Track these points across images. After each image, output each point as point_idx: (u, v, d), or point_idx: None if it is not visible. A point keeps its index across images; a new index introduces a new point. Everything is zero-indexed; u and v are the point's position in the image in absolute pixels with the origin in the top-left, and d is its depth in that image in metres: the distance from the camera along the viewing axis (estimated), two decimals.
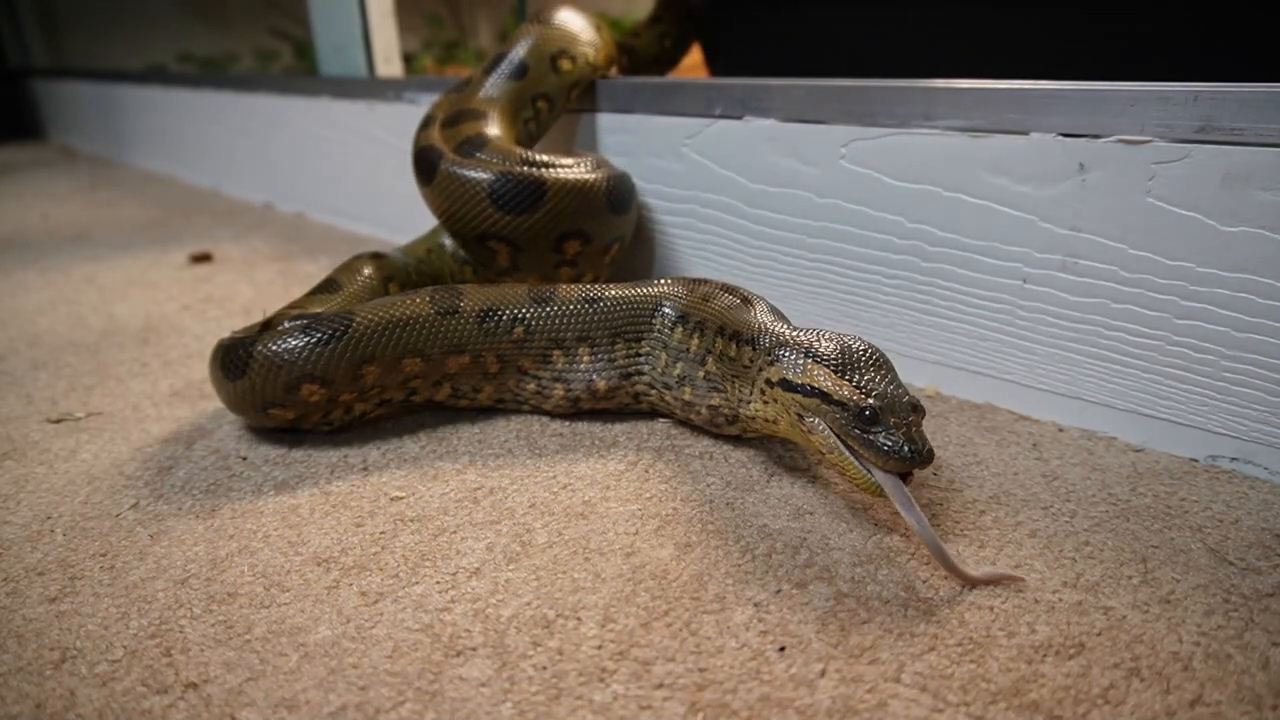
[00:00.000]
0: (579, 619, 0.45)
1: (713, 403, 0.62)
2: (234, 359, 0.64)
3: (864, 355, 0.54)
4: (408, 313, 0.65)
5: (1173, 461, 0.59)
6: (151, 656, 0.44)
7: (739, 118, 0.80)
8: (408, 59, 2.36)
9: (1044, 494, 0.55)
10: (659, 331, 0.66)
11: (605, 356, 0.67)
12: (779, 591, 0.47)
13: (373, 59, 1.38)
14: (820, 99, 0.74)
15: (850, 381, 0.52)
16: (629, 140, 0.91)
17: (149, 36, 3.02)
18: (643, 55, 1.09)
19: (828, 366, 0.53)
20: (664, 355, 0.66)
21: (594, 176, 0.78)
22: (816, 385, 0.53)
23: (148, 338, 0.93)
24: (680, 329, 0.65)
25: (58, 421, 0.72)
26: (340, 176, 1.43)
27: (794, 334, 0.57)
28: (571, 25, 0.91)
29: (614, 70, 0.97)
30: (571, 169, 0.77)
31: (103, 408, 0.75)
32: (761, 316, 0.61)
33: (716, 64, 1.16)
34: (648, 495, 0.57)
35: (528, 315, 0.67)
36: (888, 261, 0.73)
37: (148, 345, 0.91)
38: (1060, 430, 0.64)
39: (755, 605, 0.46)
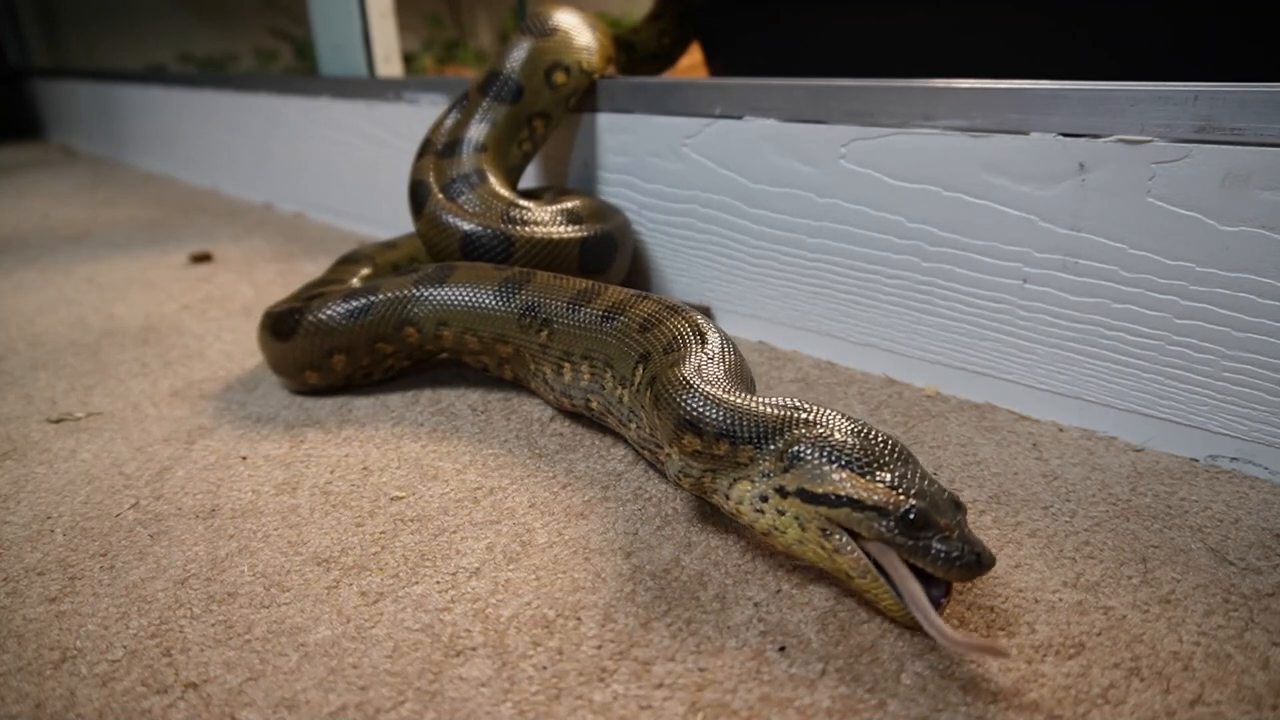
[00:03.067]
0: (579, 619, 0.45)
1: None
2: (351, 305, 0.72)
3: (887, 447, 0.45)
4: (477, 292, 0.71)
5: (1173, 461, 0.59)
6: (151, 656, 0.44)
7: (739, 118, 0.80)
8: (408, 59, 2.36)
9: (1044, 494, 0.55)
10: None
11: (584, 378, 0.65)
12: (779, 591, 0.47)
13: (373, 59, 1.37)
14: (820, 99, 0.74)
15: (883, 482, 0.43)
16: (629, 140, 0.91)
17: (149, 36, 3.02)
18: (641, 52, 1.09)
19: (849, 466, 0.44)
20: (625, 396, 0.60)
21: (567, 235, 0.78)
22: (843, 492, 0.44)
23: (148, 338, 0.93)
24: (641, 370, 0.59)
25: (58, 421, 0.72)
26: (340, 176, 1.43)
27: (791, 418, 0.48)
28: (567, 31, 0.90)
29: (611, 69, 0.97)
30: (547, 226, 0.78)
31: (103, 408, 0.75)
32: (726, 385, 0.52)
33: (717, 63, 1.16)
34: (648, 495, 0.57)
35: (555, 315, 0.67)
36: (888, 261, 0.73)
37: (148, 345, 0.91)
38: (1060, 430, 0.64)
39: (755, 605, 0.46)
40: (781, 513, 0.46)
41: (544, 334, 0.67)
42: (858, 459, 0.45)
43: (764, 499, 0.47)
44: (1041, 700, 0.39)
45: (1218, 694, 0.39)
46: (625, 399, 0.60)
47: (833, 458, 0.45)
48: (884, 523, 0.42)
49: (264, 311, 0.78)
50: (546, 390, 0.68)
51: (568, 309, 0.66)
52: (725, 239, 0.85)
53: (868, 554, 0.43)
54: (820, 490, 0.44)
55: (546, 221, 0.78)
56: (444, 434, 0.67)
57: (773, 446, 0.47)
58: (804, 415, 0.48)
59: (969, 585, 0.46)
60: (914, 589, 0.41)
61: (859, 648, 0.42)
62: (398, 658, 0.43)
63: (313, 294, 0.78)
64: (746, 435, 0.48)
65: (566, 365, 0.65)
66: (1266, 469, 0.56)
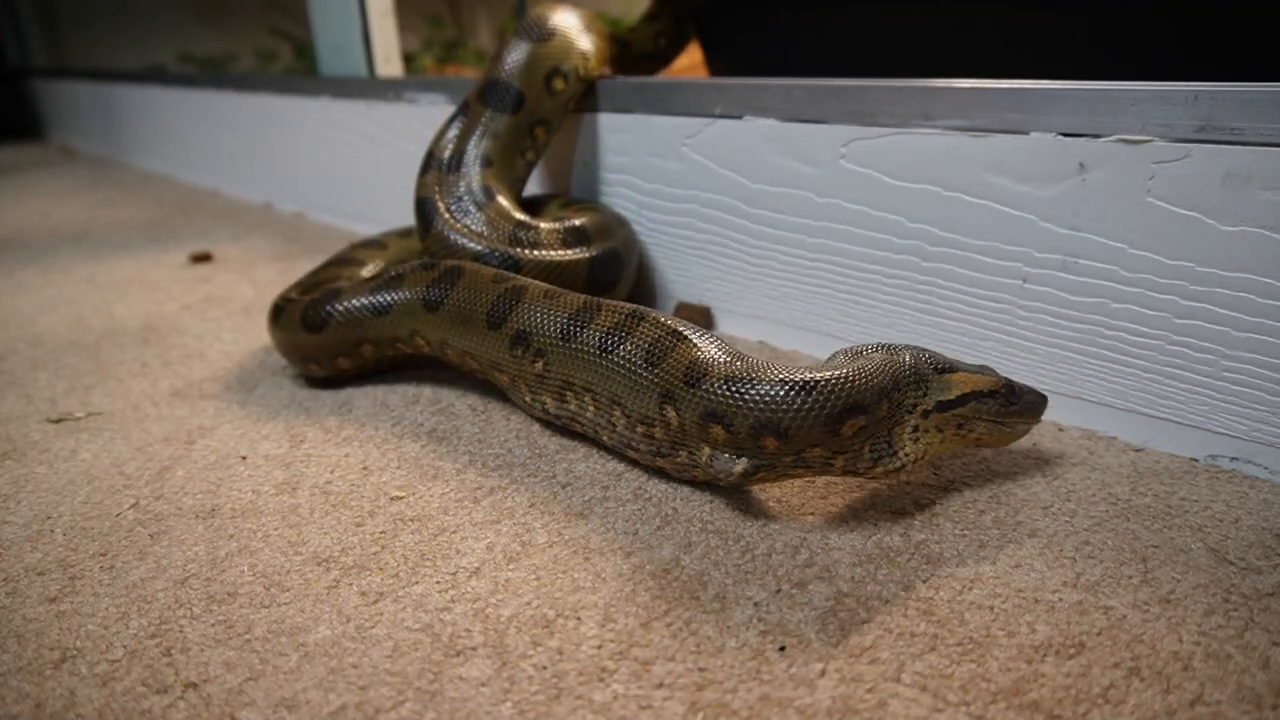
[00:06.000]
0: (579, 619, 0.45)
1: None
2: (377, 301, 0.74)
3: (921, 350, 0.56)
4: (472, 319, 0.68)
5: (1173, 461, 0.59)
6: (151, 656, 0.44)
7: (739, 117, 0.80)
8: (408, 59, 2.36)
9: (1044, 494, 0.55)
10: None
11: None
12: (779, 591, 0.47)
13: (373, 59, 1.38)
14: (820, 99, 0.74)
15: (969, 372, 0.55)
16: (629, 140, 0.91)
17: (149, 36, 3.02)
18: (636, 50, 1.08)
19: (949, 369, 0.54)
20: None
21: (575, 257, 0.78)
22: (966, 390, 0.54)
23: (148, 338, 0.93)
24: None
25: (58, 421, 0.72)
26: (340, 176, 1.43)
27: (896, 359, 0.54)
28: (565, 34, 0.88)
29: (607, 69, 0.97)
30: (555, 249, 0.78)
31: (103, 408, 0.75)
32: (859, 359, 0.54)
33: (717, 63, 1.16)
34: (648, 495, 0.57)
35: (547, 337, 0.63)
36: (888, 261, 0.73)
37: (148, 345, 0.91)
38: (1060, 430, 0.64)
39: (755, 605, 0.46)
40: (927, 431, 0.53)
41: (540, 364, 0.63)
42: (942, 361, 0.55)
43: (915, 430, 0.53)
44: (1041, 700, 0.39)
45: (1218, 694, 0.39)
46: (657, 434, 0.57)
47: (939, 368, 0.54)
48: (1000, 401, 0.54)
49: (276, 305, 0.79)
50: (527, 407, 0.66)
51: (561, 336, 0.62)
52: (725, 239, 0.85)
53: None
54: (951, 396, 0.53)
55: (554, 243, 0.79)
56: (444, 434, 0.67)
57: (912, 382, 0.53)
58: (885, 349, 0.55)
59: (971, 584, 0.47)
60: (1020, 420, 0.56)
61: (859, 648, 0.42)
62: (398, 658, 0.43)
63: (324, 286, 0.78)
64: (900, 384, 0.53)
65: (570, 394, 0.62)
66: (1266, 469, 0.56)
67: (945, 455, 0.61)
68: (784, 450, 0.51)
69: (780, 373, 0.51)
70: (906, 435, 0.53)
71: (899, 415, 0.52)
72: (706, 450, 0.53)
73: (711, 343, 0.56)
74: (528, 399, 0.65)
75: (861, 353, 0.55)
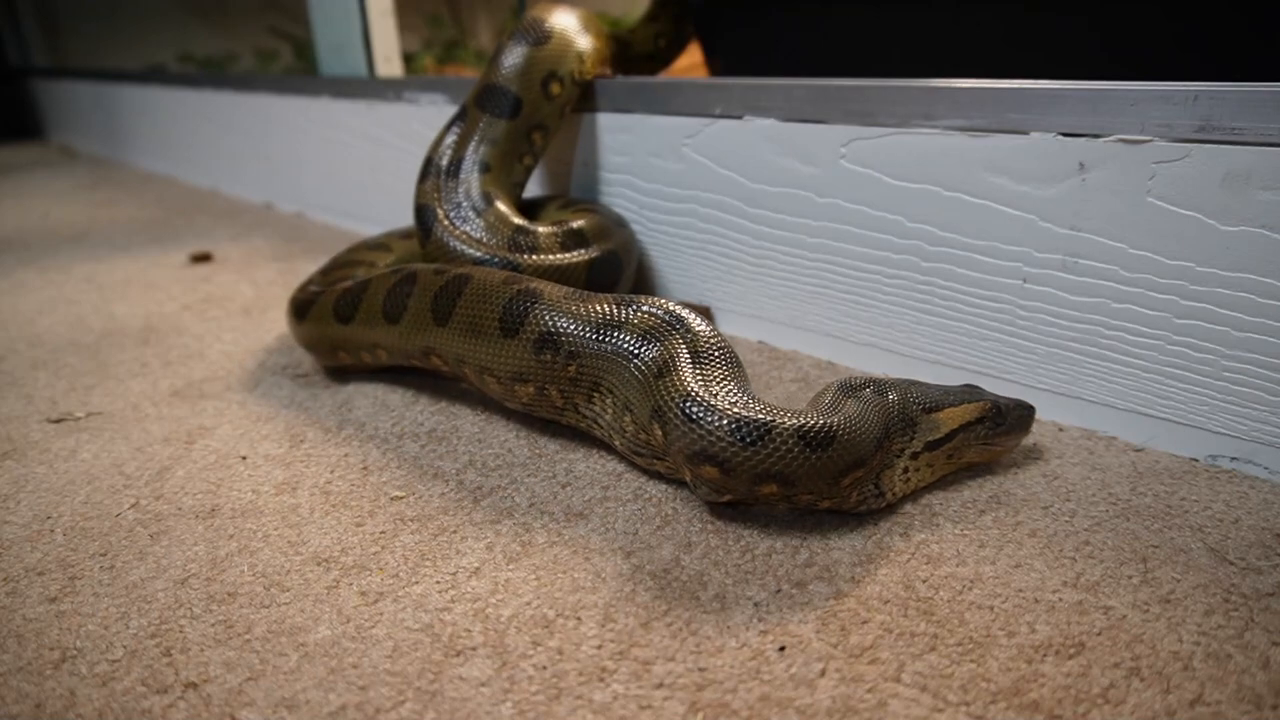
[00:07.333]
0: (579, 619, 0.45)
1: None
2: (393, 302, 0.72)
3: (913, 383, 0.57)
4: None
5: (1173, 461, 0.59)
6: (151, 656, 0.44)
7: (739, 117, 0.80)
8: (408, 59, 2.36)
9: (1044, 494, 0.55)
10: None
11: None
12: (779, 591, 0.47)
13: (372, 59, 1.38)
14: (820, 98, 0.74)
15: (958, 402, 0.56)
16: (629, 140, 0.91)
17: (149, 36, 3.02)
18: (636, 51, 1.08)
19: (938, 407, 0.55)
20: None
21: (575, 260, 0.78)
22: (955, 426, 0.55)
23: (148, 338, 0.93)
24: None
25: (58, 421, 0.72)
26: (340, 176, 1.43)
27: (893, 392, 0.56)
28: (561, 36, 0.88)
29: (607, 70, 0.97)
30: (554, 253, 0.78)
31: (103, 408, 0.75)
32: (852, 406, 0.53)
33: (716, 63, 1.16)
34: (648, 495, 0.57)
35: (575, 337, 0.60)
36: (888, 261, 0.73)
37: (148, 345, 0.91)
38: (1060, 430, 0.64)
39: (755, 605, 0.46)
40: (917, 470, 0.55)
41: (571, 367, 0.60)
42: (929, 398, 0.56)
43: (905, 470, 0.55)
44: (1041, 700, 0.39)
45: (1218, 694, 0.39)
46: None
47: (927, 408, 0.56)
48: (987, 426, 0.56)
49: (302, 300, 0.79)
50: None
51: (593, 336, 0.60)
52: (725, 239, 0.85)
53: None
54: (940, 435, 0.55)
55: (553, 247, 0.79)
56: (444, 434, 0.67)
57: (900, 428, 0.54)
58: (880, 386, 0.56)
59: (971, 584, 0.47)
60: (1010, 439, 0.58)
61: (859, 648, 0.42)
62: (398, 658, 0.43)
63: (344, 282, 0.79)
64: (890, 432, 0.54)
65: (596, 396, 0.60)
66: (1266, 469, 0.56)
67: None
68: (780, 494, 0.51)
69: (791, 420, 0.50)
70: (896, 477, 0.54)
71: (888, 460, 0.54)
72: (689, 474, 0.53)
73: (721, 373, 0.54)
74: (559, 404, 0.62)
75: (855, 390, 0.55)
